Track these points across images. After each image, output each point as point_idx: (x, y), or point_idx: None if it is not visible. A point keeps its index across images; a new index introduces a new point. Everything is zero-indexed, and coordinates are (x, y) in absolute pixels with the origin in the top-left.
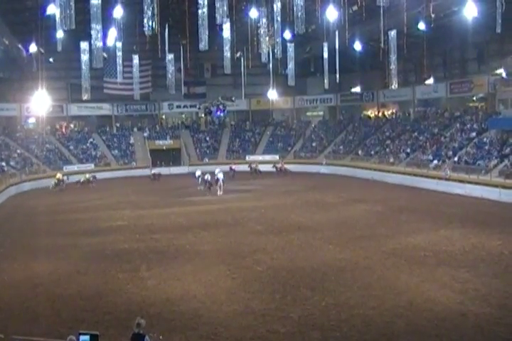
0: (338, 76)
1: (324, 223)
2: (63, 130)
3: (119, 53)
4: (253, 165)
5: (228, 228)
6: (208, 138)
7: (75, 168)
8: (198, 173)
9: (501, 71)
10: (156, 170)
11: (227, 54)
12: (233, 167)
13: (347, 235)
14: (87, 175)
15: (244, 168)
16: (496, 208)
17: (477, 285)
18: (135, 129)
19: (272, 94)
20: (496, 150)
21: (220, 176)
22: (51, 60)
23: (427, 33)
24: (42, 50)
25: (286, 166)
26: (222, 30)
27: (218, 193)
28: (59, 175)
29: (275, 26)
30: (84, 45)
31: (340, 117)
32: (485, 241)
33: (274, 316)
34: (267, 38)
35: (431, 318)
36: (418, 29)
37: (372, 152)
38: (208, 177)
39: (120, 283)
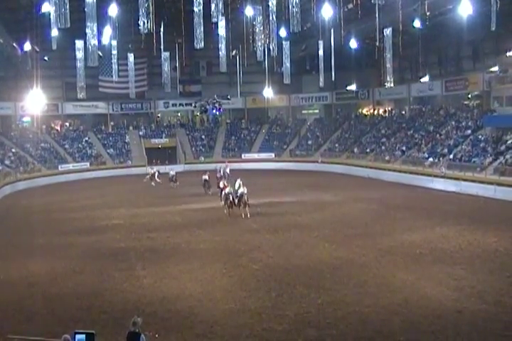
0: (333, 74)
1: (320, 221)
2: (58, 129)
3: (115, 52)
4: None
5: (224, 226)
6: (203, 137)
7: (70, 166)
8: (224, 187)
9: (496, 69)
10: (206, 175)
11: (223, 52)
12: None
13: (343, 233)
14: (171, 173)
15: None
16: (491, 205)
17: (473, 282)
18: (131, 128)
19: (268, 92)
20: (491, 147)
21: (243, 190)
22: (46, 58)
23: (422, 31)
24: (37, 49)
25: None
26: (217, 28)
27: (243, 215)
28: (150, 170)
29: (270, 24)
30: (79, 43)
31: (335, 115)
32: (480, 238)
33: (271, 314)
34: (263, 36)
35: (427, 315)
36: (413, 27)
37: (368, 150)
38: (229, 190)
39: (116, 281)
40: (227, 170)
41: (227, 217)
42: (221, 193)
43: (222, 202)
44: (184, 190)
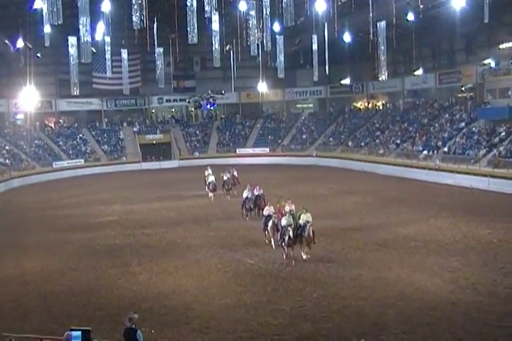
0: (327, 68)
1: (315, 215)
2: (52, 126)
3: (108, 48)
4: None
5: (219, 222)
6: (198, 132)
7: (64, 163)
8: (279, 215)
9: (489, 61)
10: (254, 192)
11: (217, 47)
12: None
13: (338, 226)
14: (211, 178)
15: None
16: (484, 197)
17: (467, 273)
18: (125, 124)
19: (262, 87)
20: (484, 139)
21: (308, 218)
22: (39, 55)
23: (415, 24)
24: (29, 45)
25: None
26: (211, 23)
27: (304, 256)
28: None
29: (264, 19)
30: (72, 39)
31: (330, 109)
32: (474, 230)
33: (266, 309)
34: (256, 31)
35: (422, 307)
36: (407, 20)
37: (362, 143)
38: (288, 221)
39: (111, 278)
40: (235, 173)
41: (289, 260)
42: (266, 222)
43: (270, 239)
44: (179, 187)
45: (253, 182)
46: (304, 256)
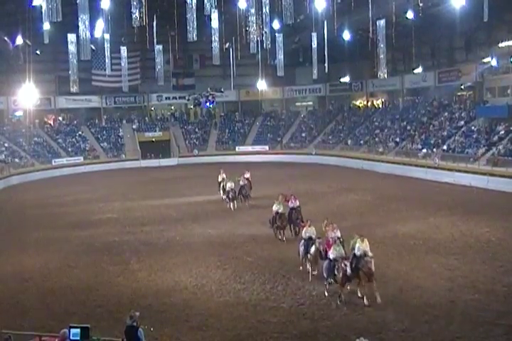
0: (326, 66)
1: (314, 212)
2: (51, 123)
3: (107, 45)
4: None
5: (218, 219)
6: (197, 130)
7: (63, 161)
8: (326, 245)
9: (489, 60)
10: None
11: (216, 45)
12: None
13: (337, 224)
14: (228, 184)
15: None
16: (483, 196)
17: (465, 272)
18: (124, 121)
19: (261, 85)
20: (483, 138)
21: (366, 248)
22: (38, 52)
23: (415, 22)
24: (29, 42)
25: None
26: (210, 20)
27: (365, 300)
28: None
29: (263, 16)
30: (71, 36)
31: (329, 107)
32: (473, 229)
33: (265, 306)
34: (256, 28)
35: (420, 305)
36: (406, 18)
37: (362, 141)
38: (339, 252)
39: (111, 275)
40: (247, 175)
41: (340, 302)
42: (306, 247)
43: (309, 269)
44: (178, 185)
45: (288, 192)
46: (366, 301)
